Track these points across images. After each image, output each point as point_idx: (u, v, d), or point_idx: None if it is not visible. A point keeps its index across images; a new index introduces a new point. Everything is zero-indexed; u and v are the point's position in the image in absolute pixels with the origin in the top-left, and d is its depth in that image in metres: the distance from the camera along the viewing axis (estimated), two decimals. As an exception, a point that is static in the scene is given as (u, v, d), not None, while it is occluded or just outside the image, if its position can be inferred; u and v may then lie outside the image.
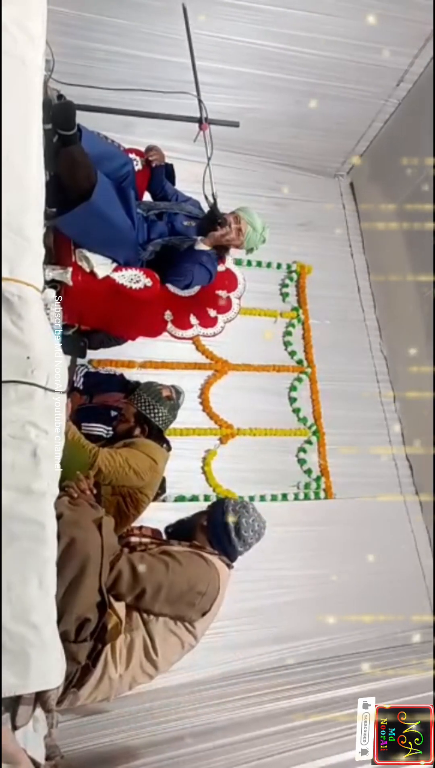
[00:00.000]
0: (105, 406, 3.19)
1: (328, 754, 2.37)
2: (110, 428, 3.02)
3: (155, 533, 3.10)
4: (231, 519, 2.20)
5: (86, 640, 1.81)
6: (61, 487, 1.85)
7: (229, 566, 2.18)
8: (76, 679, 1.82)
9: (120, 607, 1.91)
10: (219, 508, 2.28)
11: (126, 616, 1.94)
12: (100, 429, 3.04)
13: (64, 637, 1.59)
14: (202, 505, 4.09)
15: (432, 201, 4.26)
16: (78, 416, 3.06)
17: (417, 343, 4.79)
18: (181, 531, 2.32)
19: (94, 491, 2.28)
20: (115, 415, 3.08)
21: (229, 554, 2.20)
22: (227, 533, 2.20)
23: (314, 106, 4.78)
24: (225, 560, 2.16)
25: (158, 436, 2.88)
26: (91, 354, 3.26)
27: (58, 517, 1.72)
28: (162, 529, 3.18)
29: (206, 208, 2.90)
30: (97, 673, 1.85)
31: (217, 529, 2.20)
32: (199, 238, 2.84)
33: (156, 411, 2.84)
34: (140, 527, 3.03)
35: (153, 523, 3.14)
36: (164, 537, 2.42)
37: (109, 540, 1.90)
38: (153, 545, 2.15)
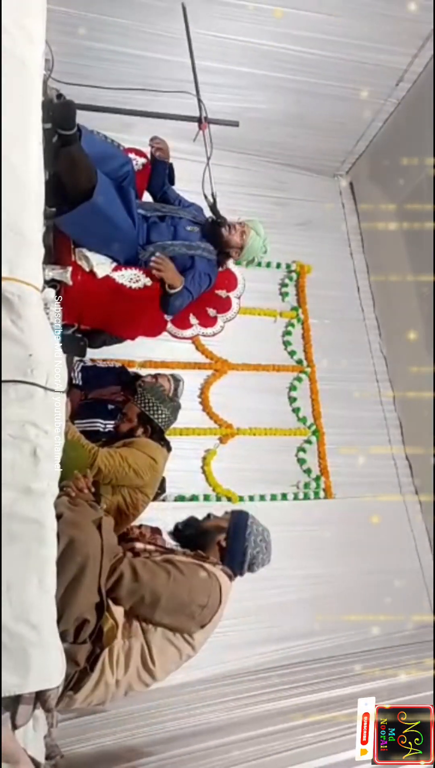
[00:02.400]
0: (101, 400, 3.20)
1: (327, 754, 2.37)
2: (107, 422, 3.02)
3: (155, 532, 3.11)
4: (251, 551, 2.18)
5: (85, 642, 1.80)
6: (60, 487, 1.85)
7: (231, 578, 2.15)
8: (73, 682, 1.81)
9: (118, 611, 1.89)
10: (242, 533, 2.20)
11: (126, 622, 1.93)
12: (97, 424, 3.04)
13: (63, 638, 1.59)
14: (202, 506, 4.16)
15: (432, 200, 4.25)
16: (74, 415, 3.06)
17: (417, 342, 4.79)
18: (191, 539, 2.25)
19: (93, 490, 2.28)
20: (112, 408, 3.08)
21: (234, 573, 2.18)
22: (242, 561, 2.17)
23: (314, 106, 4.78)
24: (227, 571, 2.13)
25: (159, 436, 2.88)
26: (92, 353, 3.26)
27: (58, 517, 1.71)
28: (162, 528, 3.19)
29: (208, 214, 2.89)
30: (94, 677, 1.84)
31: (235, 555, 2.16)
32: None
33: (159, 412, 2.84)
34: (139, 526, 3.04)
35: (152, 522, 3.16)
36: (168, 538, 2.38)
37: (108, 540, 1.89)
38: (157, 553, 2.13)
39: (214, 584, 2.02)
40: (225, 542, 2.18)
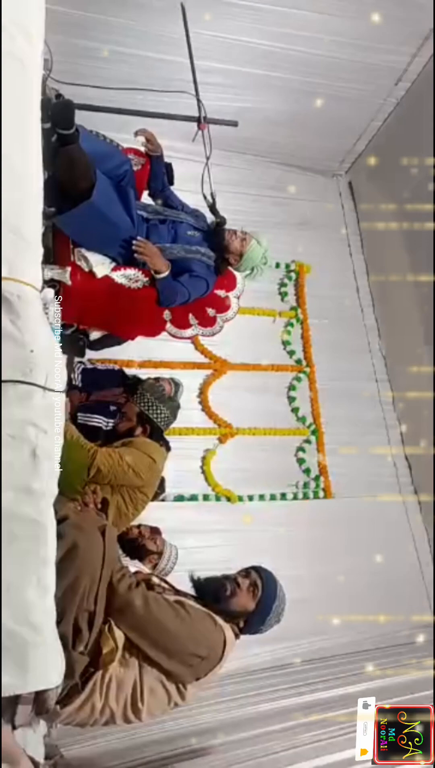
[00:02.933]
0: (103, 402, 3.20)
1: (327, 753, 2.37)
2: (109, 420, 3.02)
3: (154, 532, 3.11)
4: (264, 629, 2.12)
5: (83, 653, 1.78)
6: (63, 493, 1.83)
7: (237, 636, 2.09)
8: (63, 696, 1.79)
9: (120, 636, 1.86)
10: (265, 617, 2.11)
11: (126, 650, 1.90)
12: (99, 420, 3.04)
13: (62, 641, 1.58)
14: (201, 505, 4.16)
15: (432, 200, 4.25)
16: (76, 412, 3.06)
17: (416, 342, 4.79)
18: (209, 593, 2.10)
19: (100, 506, 2.27)
20: (113, 409, 3.08)
21: (250, 632, 2.13)
22: (255, 633, 2.13)
23: (313, 106, 4.78)
24: (235, 630, 2.07)
25: (158, 435, 2.88)
26: (91, 353, 3.26)
27: (63, 519, 1.71)
28: (161, 528, 3.19)
29: (211, 220, 2.88)
30: (83, 696, 1.79)
31: (251, 630, 2.11)
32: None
33: (159, 411, 2.85)
34: (138, 526, 3.04)
35: (152, 522, 3.16)
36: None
37: (110, 549, 1.87)
38: (170, 592, 2.09)
39: (218, 638, 1.97)
40: (244, 622, 2.13)
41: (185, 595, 2.09)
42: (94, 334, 2.85)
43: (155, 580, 2.11)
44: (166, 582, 2.16)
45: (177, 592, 2.10)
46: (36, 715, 1.56)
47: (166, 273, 2.67)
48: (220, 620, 2.01)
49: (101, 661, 1.81)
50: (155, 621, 1.89)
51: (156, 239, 2.74)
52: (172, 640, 1.89)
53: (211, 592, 2.10)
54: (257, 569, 2.18)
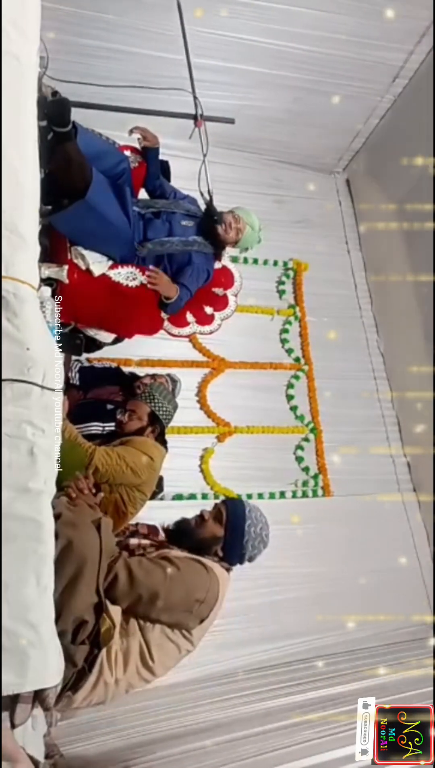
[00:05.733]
0: (100, 400, 3.19)
1: (326, 751, 2.37)
2: (106, 424, 3.01)
3: (151, 530, 3.11)
4: (250, 553, 2.14)
5: (84, 643, 1.80)
6: (61, 488, 1.84)
7: (228, 570, 2.13)
8: (71, 683, 1.81)
9: (115, 611, 1.88)
10: (241, 535, 2.14)
11: (123, 621, 1.92)
12: (96, 427, 3.03)
13: (61, 638, 1.58)
14: (200, 504, 4.15)
15: (431, 199, 4.25)
16: (73, 415, 3.05)
17: (415, 341, 4.79)
18: (187, 545, 2.17)
19: (94, 491, 2.27)
20: (111, 408, 3.08)
21: (234, 560, 2.16)
22: (241, 557, 2.15)
23: (310, 103, 4.78)
24: (224, 565, 2.11)
25: (160, 435, 2.88)
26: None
27: (57, 517, 1.71)
28: (158, 526, 3.19)
29: (203, 206, 2.89)
30: (93, 678, 1.83)
31: (234, 556, 2.13)
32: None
33: (165, 411, 2.85)
34: (136, 524, 3.04)
35: (150, 521, 3.16)
36: (163, 536, 2.36)
37: (107, 542, 1.88)
38: (152, 549, 2.11)
39: (211, 578, 2.01)
40: (222, 551, 2.14)
41: (168, 545, 2.12)
42: (103, 335, 2.85)
43: (133, 541, 2.14)
44: (146, 537, 2.19)
45: (159, 545, 2.13)
46: (45, 710, 1.56)
47: (175, 297, 2.71)
48: (206, 560, 2.05)
49: (101, 640, 1.83)
50: (144, 586, 1.92)
51: (153, 235, 2.75)
52: (166, 597, 1.93)
53: (180, 532, 2.18)
54: (224, 501, 2.26)
